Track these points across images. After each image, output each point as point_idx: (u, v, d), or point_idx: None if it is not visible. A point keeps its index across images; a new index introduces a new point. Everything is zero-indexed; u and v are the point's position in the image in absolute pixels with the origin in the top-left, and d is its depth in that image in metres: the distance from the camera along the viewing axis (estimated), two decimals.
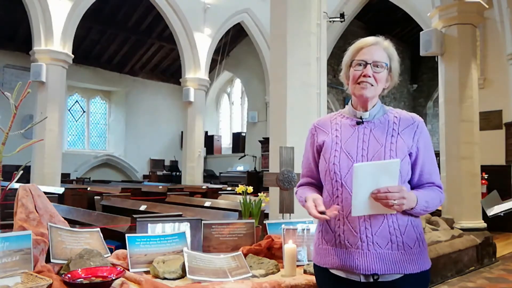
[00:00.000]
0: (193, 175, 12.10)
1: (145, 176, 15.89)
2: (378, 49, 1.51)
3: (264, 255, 2.21)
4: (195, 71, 12.29)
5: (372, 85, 1.49)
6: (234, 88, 17.49)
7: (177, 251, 2.08)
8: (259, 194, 2.76)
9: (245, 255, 2.15)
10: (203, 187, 9.66)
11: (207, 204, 6.16)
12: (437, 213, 5.98)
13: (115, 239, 3.68)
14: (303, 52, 4.44)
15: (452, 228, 5.57)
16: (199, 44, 12.18)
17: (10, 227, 2.10)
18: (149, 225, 2.24)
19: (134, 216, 3.83)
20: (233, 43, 15.03)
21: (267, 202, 2.87)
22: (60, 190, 7.49)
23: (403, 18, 11.31)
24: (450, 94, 6.20)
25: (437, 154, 5.83)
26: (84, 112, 15.97)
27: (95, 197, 7.05)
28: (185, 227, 2.28)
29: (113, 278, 1.72)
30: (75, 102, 15.73)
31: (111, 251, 2.16)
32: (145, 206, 5.55)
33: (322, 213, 1.42)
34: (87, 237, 2.12)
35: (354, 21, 11.72)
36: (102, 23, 13.30)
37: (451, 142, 6.08)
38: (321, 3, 4.60)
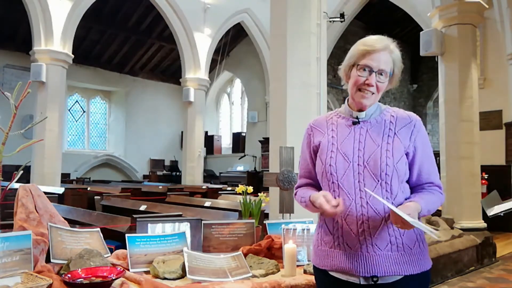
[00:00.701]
0: (193, 175, 12.10)
1: (145, 176, 15.90)
2: (385, 55, 1.45)
3: (264, 255, 2.21)
4: (195, 71, 12.29)
5: (373, 93, 1.46)
6: (234, 88, 17.49)
7: (177, 251, 2.08)
8: (259, 194, 2.76)
9: (245, 255, 2.15)
10: (203, 187, 9.66)
11: (207, 204, 6.17)
12: (437, 213, 5.98)
13: (115, 239, 3.68)
14: (303, 52, 4.44)
15: (452, 228, 5.57)
16: (199, 44, 12.18)
17: (10, 227, 2.10)
18: (149, 225, 2.24)
19: (134, 216, 3.84)
20: (233, 43, 15.03)
21: (267, 202, 2.87)
22: (60, 190, 7.50)
23: (403, 18, 11.31)
24: (450, 94, 6.20)
25: (437, 154, 5.83)
26: (84, 112, 15.97)
27: (95, 197, 7.05)
28: (185, 227, 2.28)
29: (113, 278, 1.72)
30: (75, 102, 15.73)
31: (111, 251, 2.16)
32: (145, 206, 5.55)
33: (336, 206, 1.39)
34: (87, 237, 2.13)
35: (354, 21, 11.71)
36: (102, 23, 13.30)
37: (451, 142, 6.08)
38: (321, 3, 4.61)
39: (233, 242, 2.30)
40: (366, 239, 1.40)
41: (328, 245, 1.49)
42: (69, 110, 15.25)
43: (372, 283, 1.41)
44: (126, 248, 2.04)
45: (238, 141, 15.83)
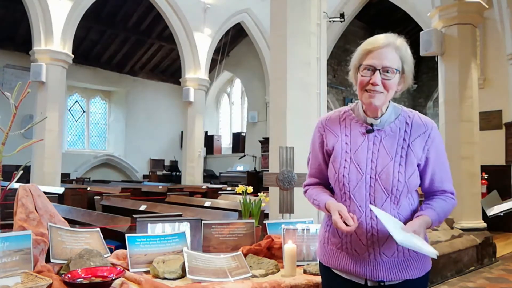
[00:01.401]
0: (193, 175, 12.10)
1: (145, 176, 15.89)
2: (389, 52, 1.38)
3: (264, 255, 2.21)
4: (195, 71, 12.29)
5: (381, 93, 1.39)
6: (234, 88, 17.49)
7: (177, 251, 2.08)
8: (259, 194, 2.76)
9: (245, 255, 2.15)
10: (203, 187, 9.66)
11: (207, 204, 6.17)
12: None
13: (115, 239, 3.69)
14: (303, 52, 4.44)
15: (452, 228, 5.57)
16: (199, 44, 12.18)
17: (10, 227, 2.10)
18: (149, 225, 2.24)
19: (134, 216, 3.84)
20: (233, 43, 15.02)
21: (267, 202, 2.87)
22: (60, 190, 7.50)
23: (403, 18, 11.30)
24: (450, 94, 6.20)
25: None
26: (84, 112, 15.97)
27: (95, 197, 7.05)
28: (185, 227, 2.28)
29: (113, 278, 1.72)
30: (75, 102, 15.73)
31: (111, 251, 2.16)
32: (145, 206, 5.55)
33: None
34: (87, 237, 2.12)
35: (354, 21, 11.71)
36: (102, 23, 13.30)
37: (451, 142, 6.07)
38: (321, 3, 4.60)
39: (233, 242, 2.30)
40: (375, 249, 1.41)
41: (335, 246, 1.51)
42: (69, 110, 15.25)
43: (378, 285, 1.44)
44: (126, 248, 2.03)
45: (238, 141, 15.83)
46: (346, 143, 1.48)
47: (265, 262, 2.09)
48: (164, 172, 15.74)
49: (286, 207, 2.95)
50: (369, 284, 1.45)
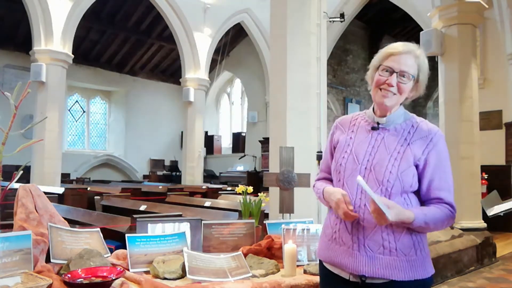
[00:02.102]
0: (193, 175, 12.11)
1: (145, 176, 15.90)
2: (409, 58, 1.47)
3: (264, 255, 2.21)
4: (195, 71, 12.29)
5: (394, 94, 1.48)
6: (234, 88, 17.49)
7: (177, 251, 2.08)
8: (259, 194, 2.76)
9: (245, 255, 2.15)
10: (203, 187, 9.66)
11: (207, 204, 6.17)
12: None
13: (115, 239, 3.69)
14: (303, 52, 4.44)
15: (452, 228, 5.57)
16: (199, 44, 12.19)
17: (10, 227, 2.10)
18: (149, 225, 2.24)
19: (134, 216, 3.83)
20: (233, 43, 15.02)
21: (267, 202, 2.87)
22: (60, 190, 7.50)
23: (403, 18, 11.31)
24: (450, 94, 6.20)
25: None
26: (84, 112, 15.98)
27: (95, 197, 7.05)
28: (185, 227, 2.28)
29: (113, 278, 1.72)
30: (75, 102, 15.74)
31: (111, 251, 2.16)
32: (145, 206, 5.56)
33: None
34: (87, 237, 2.12)
35: (354, 21, 11.70)
36: (102, 23, 13.30)
37: (451, 142, 6.06)
38: (321, 3, 4.61)
39: (233, 242, 2.30)
40: (359, 239, 1.44)
41: (327, 237, 1.56)
42: (69, 110, 15.25)
43: (360, 282, 1.44)
44: (126, 248, 2.03)
45: (238, 141, 15.84)
46: (350, 137, 1.57)
47: (265, 262, 2.09)
48: (164, 172, 15.74)
49: (286, 207, 2.95)
50: (351, 279, 1.45)
